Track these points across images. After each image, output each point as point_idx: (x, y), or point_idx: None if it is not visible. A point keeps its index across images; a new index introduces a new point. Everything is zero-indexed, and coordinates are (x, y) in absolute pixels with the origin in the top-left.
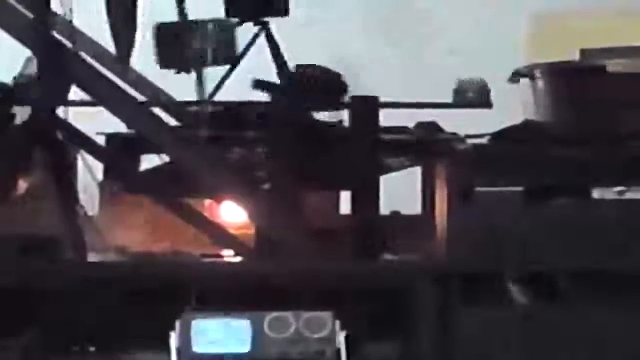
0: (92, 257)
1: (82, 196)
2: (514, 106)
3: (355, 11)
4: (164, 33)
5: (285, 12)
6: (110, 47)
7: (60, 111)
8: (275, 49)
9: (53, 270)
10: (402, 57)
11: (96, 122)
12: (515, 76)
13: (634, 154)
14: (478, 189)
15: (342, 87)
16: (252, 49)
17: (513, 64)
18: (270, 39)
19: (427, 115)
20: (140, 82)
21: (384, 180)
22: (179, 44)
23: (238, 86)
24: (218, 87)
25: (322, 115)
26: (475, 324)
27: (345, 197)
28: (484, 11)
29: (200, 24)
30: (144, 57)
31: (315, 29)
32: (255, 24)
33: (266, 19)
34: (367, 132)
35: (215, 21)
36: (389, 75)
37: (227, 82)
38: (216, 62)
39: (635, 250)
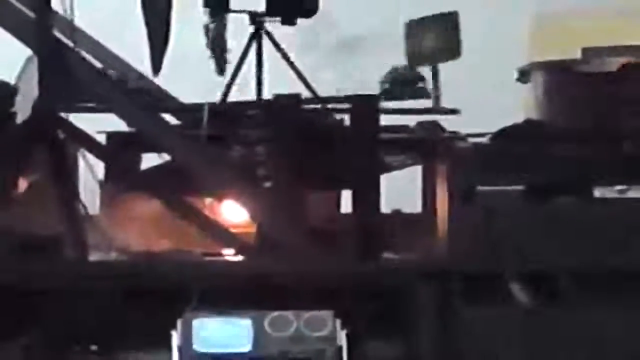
0: (93, 257)
1: (83, 195)
2: (514, 105)
3: None
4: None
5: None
6: (109, 45)
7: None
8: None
9: (54, 270)
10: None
11: (97, 120)
12: (522, 76)
13: (634, 153)
14: (479, 187)
15: None
16: None
17: (513, 64)
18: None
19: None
20: (140, 81)
21: (385, 179)
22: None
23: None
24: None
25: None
26: (476, 322)
27: (346, 196)
28: (484, 11)
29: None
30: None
31: None
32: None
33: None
34: (368, 131)
35: (440, 16)
36: None
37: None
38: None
39: (635, 249)
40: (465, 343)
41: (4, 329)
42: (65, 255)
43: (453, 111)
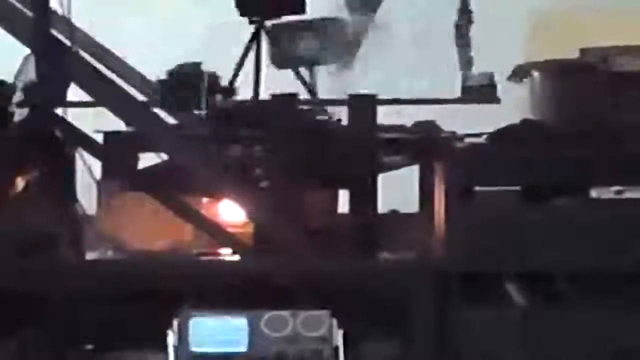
0: (90, 256)
1: (80, 194)
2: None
3: None
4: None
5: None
6: (107, 45)
7: (58, 109)
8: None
9: (50, 269)
10: (402, 55)
11: (94, 119)
12: (515, 75)
13: (631, 153)
14: (476, 187)
15: None
16: None
17: (514, 62)
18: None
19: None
20: (139, 80)
21: (382, 178)
22: (291, 43)
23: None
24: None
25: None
26: (473, 323)
27: (343, 196)
28: (484, 10)
29: (312, 22)
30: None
31: None
32: (250, 23)
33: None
34: (365, 130)
35: (328, 19)
36: (389, 74)
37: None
38: (328, 60)
39: (633, 249)
40: (463, 344)
41: (0, 329)
42: (62, 255)
43: None
